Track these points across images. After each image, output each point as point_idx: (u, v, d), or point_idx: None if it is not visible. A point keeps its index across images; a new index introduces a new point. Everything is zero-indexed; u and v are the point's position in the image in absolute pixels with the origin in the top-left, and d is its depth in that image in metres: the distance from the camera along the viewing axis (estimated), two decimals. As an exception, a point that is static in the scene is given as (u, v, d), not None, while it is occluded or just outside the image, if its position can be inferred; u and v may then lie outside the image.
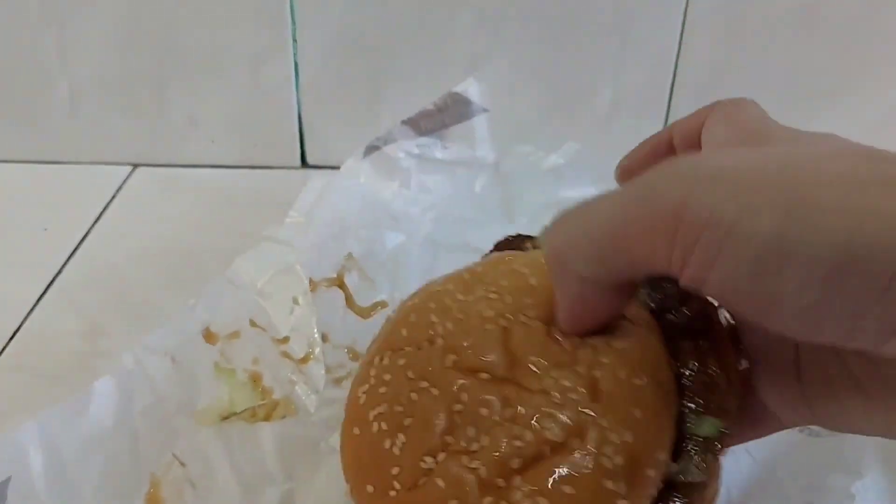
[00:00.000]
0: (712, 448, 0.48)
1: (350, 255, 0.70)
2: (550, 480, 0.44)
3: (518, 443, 0.45)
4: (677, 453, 0.47)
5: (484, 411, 0.47)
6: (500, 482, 0.45)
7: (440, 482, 0.46)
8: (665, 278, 0.46)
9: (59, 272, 0.84)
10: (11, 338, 0.75)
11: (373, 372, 0.52)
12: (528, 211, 0.79)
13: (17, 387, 0.69)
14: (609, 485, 0.44)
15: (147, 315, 0.72)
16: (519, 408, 0.46)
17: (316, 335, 0.65)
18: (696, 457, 0.47)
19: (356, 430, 0.50)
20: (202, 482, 0.55)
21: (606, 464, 0.44)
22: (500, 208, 0.80)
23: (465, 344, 0.49)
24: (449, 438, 0.47)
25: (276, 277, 0.66)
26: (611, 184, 0.50)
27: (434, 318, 0.52)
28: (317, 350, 0.65)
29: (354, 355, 0.66)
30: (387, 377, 0.51)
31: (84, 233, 0.90)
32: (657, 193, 0.34)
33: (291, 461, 0.58)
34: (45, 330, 0.76)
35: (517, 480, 0.45)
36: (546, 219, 0.42)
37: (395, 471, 0.47)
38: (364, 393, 0.51)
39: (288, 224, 0.70)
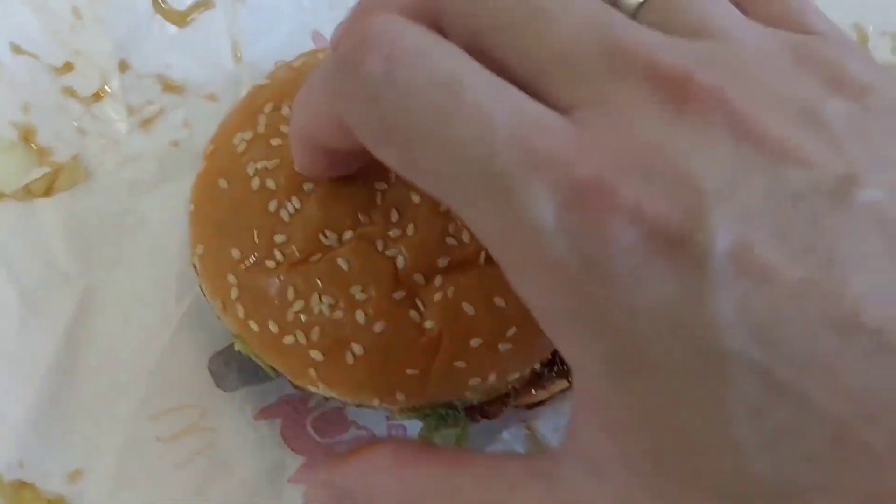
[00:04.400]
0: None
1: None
2: (479, 288, 0.39)
3: (451, 241, 0.40)
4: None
5: (416, 198, 0.40)
6: (419, 279, 0.39)
7: (343, 264, 0.39)
8: None
9: None
10: None
11: (262, 119, 0.43)
12: None
13: None
14: None
15: None
16: None
17: (110, 61, 0.48)
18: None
19: (223, 183, 0.42)
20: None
21: None
22: None
23: None
24: (363, 217, 0.40)
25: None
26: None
27: None
28: (113, 83, 0.48)
29: (170, 86, 0.49)
30: (284, 128, 0.42)
31: None
32: None
33: (87, 247, 0.45)
34: None
35: (439, 280, 0.39)
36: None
37: (279, 238, 0.40)
38: (245, 140, 0.42)
39: None
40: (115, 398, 0.43)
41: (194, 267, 0.44)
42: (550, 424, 0.45)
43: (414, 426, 0.46)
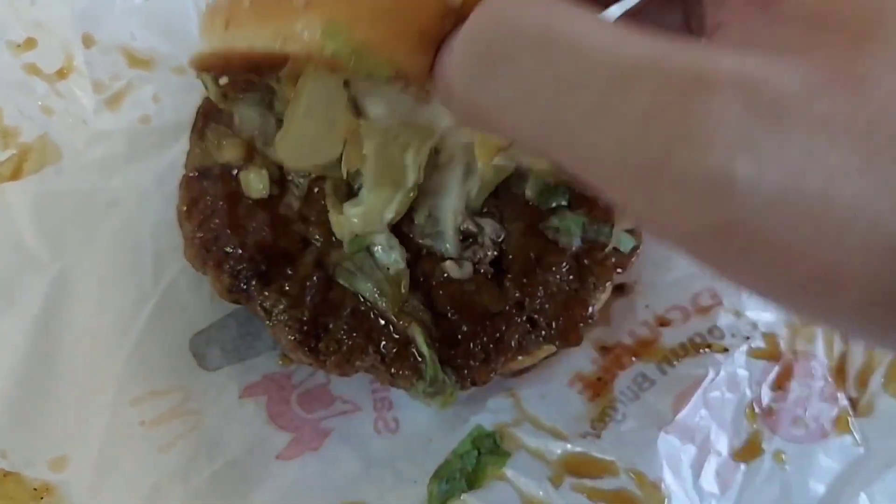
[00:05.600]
0: None
1: None
2: None
3: None
4: None
5: None
6: None
7: None
8: None
9: None
10: None
11: None
12: None
13: None
14: None
15: None
16: None
17: (73, 34, 0.46)
18: None
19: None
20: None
21: None
22: None
23: None
24: None
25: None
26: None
27: None
28: (78, 58, 0.46)
29: (136, 59, 0.48)
30: None
31: None
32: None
33: (58, 230, 0.44)
34: None
35: None
36: None
37: None
38: None
39: None
40: (94, 383, 0.43)
41: None
42: (535, 392, 0.45)
43: (400, 397, 0.45)
